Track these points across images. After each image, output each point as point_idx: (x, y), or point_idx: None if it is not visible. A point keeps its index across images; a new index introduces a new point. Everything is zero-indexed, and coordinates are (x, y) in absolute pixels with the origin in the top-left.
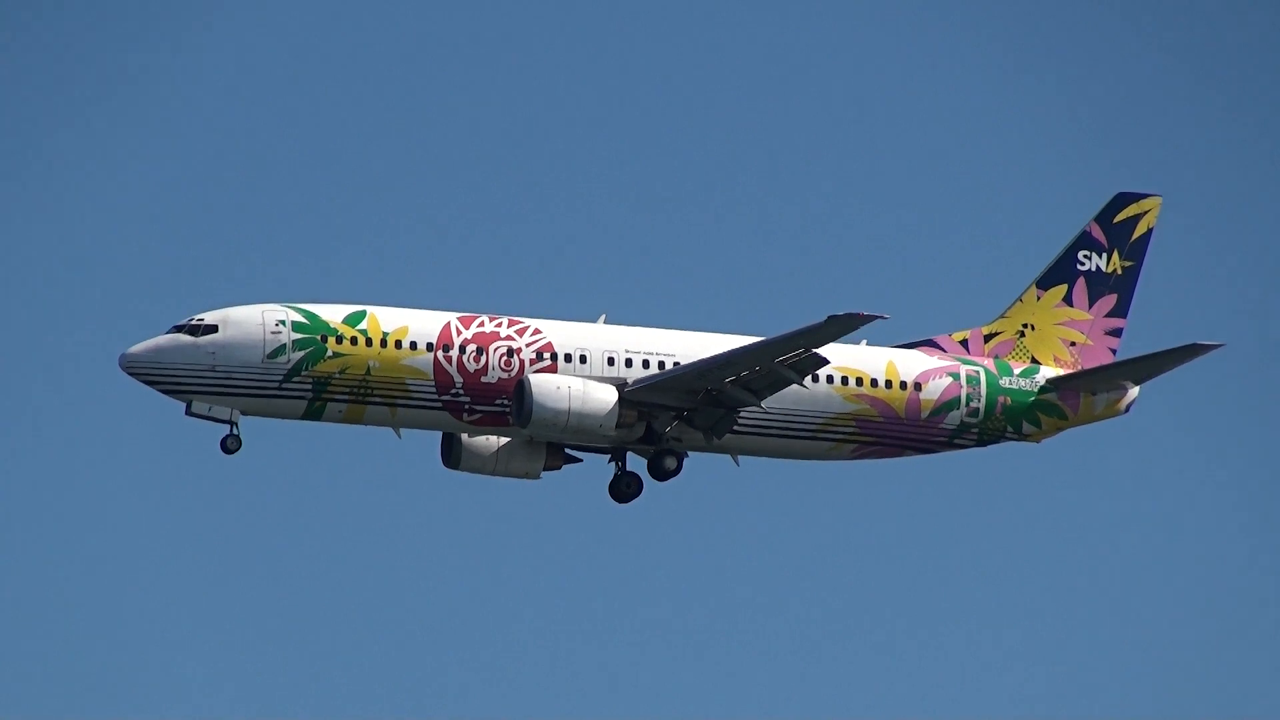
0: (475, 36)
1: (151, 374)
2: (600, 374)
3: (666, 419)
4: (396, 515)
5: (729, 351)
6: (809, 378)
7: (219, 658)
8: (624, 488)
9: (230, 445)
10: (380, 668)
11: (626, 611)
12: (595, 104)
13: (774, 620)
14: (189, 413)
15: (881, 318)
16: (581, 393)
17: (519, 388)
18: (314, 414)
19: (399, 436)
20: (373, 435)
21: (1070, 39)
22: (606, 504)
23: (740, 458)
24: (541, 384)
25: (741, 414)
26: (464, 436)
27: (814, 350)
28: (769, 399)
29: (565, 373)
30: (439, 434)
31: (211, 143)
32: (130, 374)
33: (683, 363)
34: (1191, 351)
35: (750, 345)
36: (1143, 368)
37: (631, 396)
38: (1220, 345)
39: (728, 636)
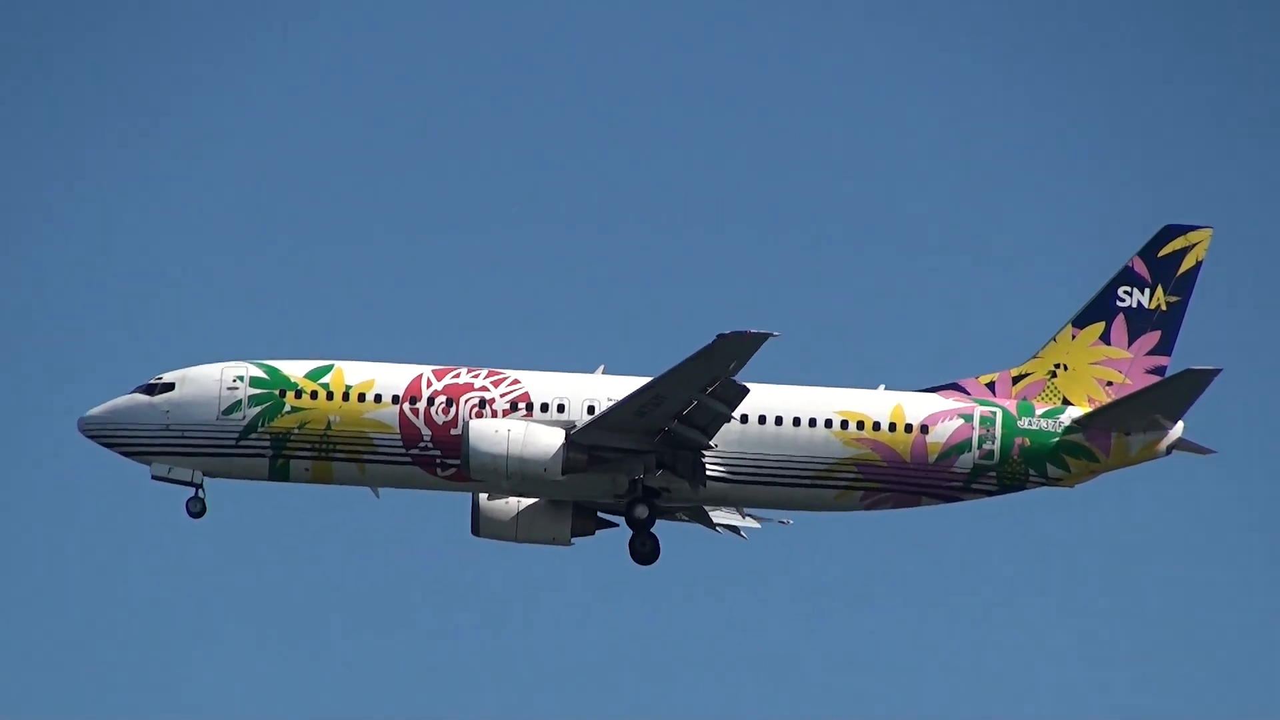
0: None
1: (107, 435)
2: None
3: (635, 464)
4: (405, 584)
5: (645, 384)
6: (739, 416)
7: None
8: (639, 547)
9: (194, 508)
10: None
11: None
12: (591, 144)
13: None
14: (153, 476)
15: (772, 335)
16: (522, 437)
17: (462, 434)
18: (279, 473)
19: (377, 496)
20: (394, 500)
21: (1112, 67)
22: (628, 566)
23: (766, 516)
24: (480, 428)
25: (740, 462)
26: (482, 499)
27: (729, 378)
28: (758, 443)
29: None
30: (468, 499)
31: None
32: (88, 436)
33: None
34: (1191, 380)
35: (661, 375)
36: (1145, 402)
37: (579, 439)
38: (1218, 370)
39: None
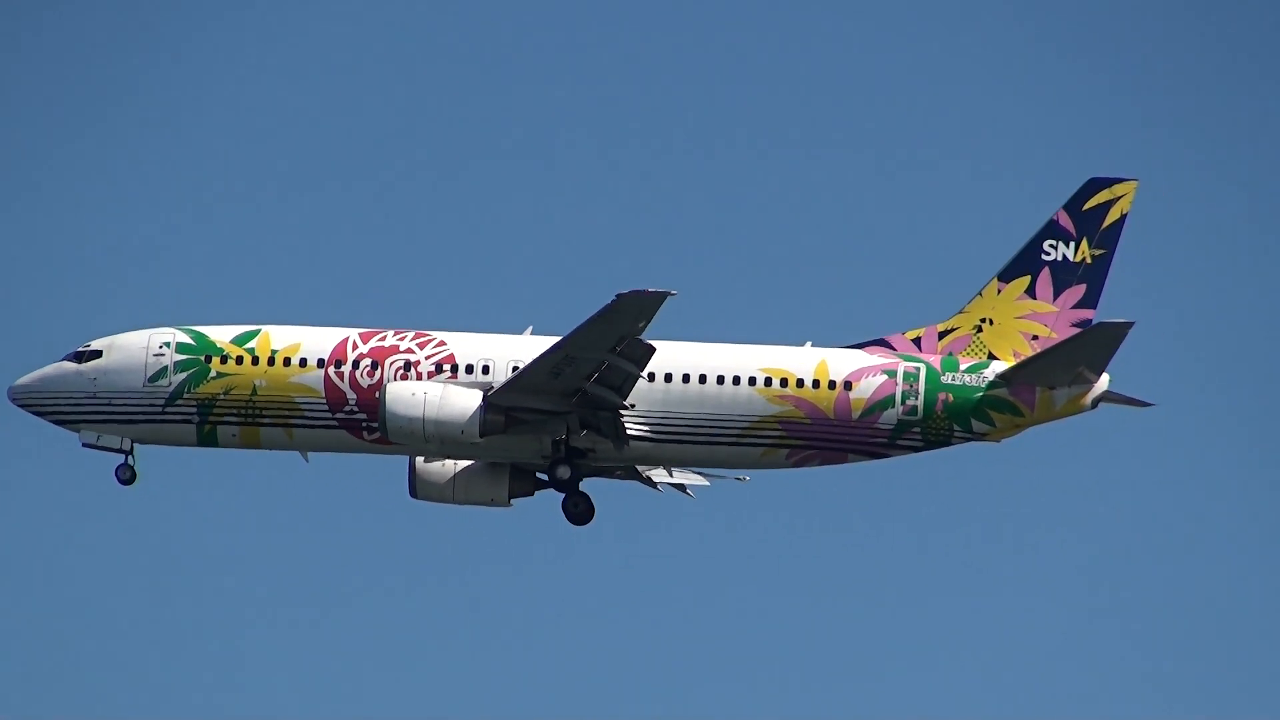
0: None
1: (37, 404)
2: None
3: (556, 425)
4: (345, 548)
5: (553, 345)
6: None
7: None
8: (571, 508)
9: (123, 475)
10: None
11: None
12: (525, 95)
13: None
14: (83, 444)
15: (669, 294)
16: (438, 399)
17: (379, 398)
18: (207, 439)
19: (306, 460)
20: (331, 464)
21: (1040, 18)
22: (562, 527)
23: (720, 474)
24: (396, 391)
25: (664, 421)
26: (419, 462)
27: (635, 338)
28: (680, 402)
29: (465, 384)
30: (405, 461)
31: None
32: (17, 405)
33: None
34: (1104, 334)
35: (567, 336)
36: (1065, 354)
37: (496, 400)
38: (1130, 324)
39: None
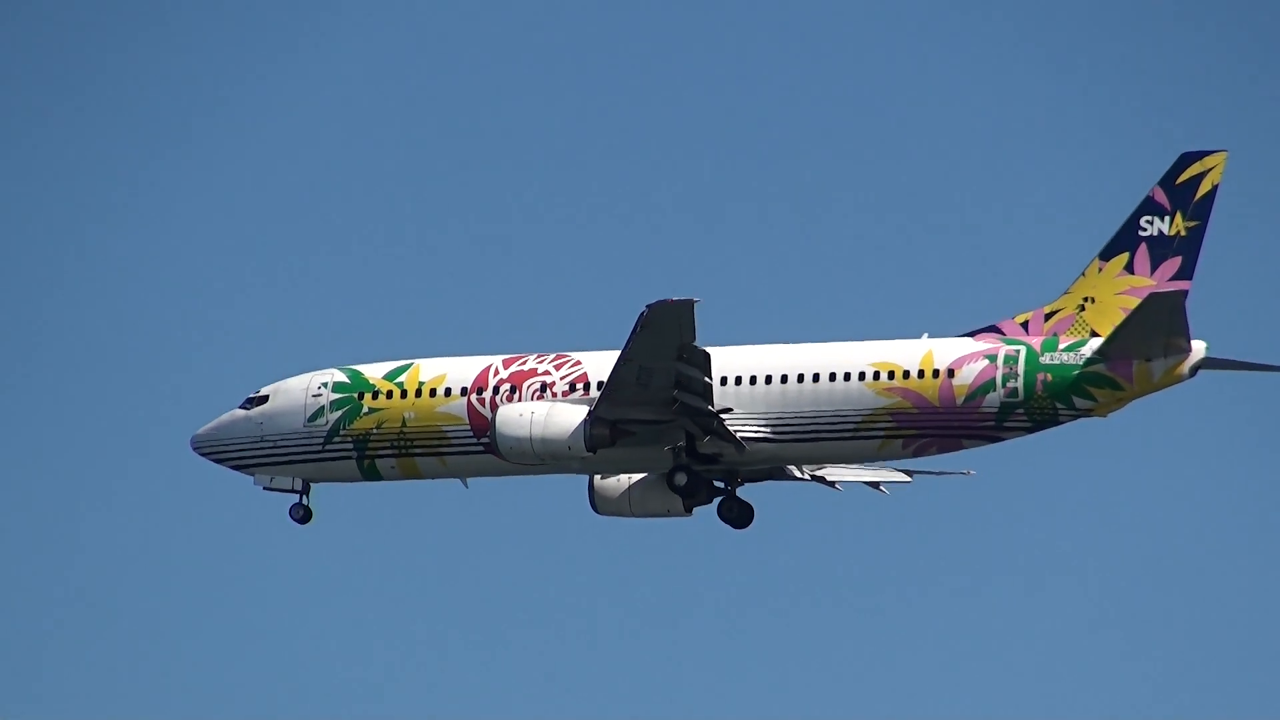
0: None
1: (213, 451)
2: None
3: (670, 434)
4: (536, 563)
5: (617, 361)
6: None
7: None
8: (725, 512)
9: (297, 514)
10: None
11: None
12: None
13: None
14: (262, 487)
15: (695, 301)
16: (544, 418)
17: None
18: (370, 473)
19: (466, 486)
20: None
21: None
22: (722, 529)
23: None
24: (505, 413)
25: (781, 421)
26: (596, 480)
27: (689, 343)
28: (796, 401)
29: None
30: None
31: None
32: (199, 454)
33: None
34: (1157, 304)
35: (621, 353)
36: (1133, 327)
37: (602, 414)
38: (1182, 291)
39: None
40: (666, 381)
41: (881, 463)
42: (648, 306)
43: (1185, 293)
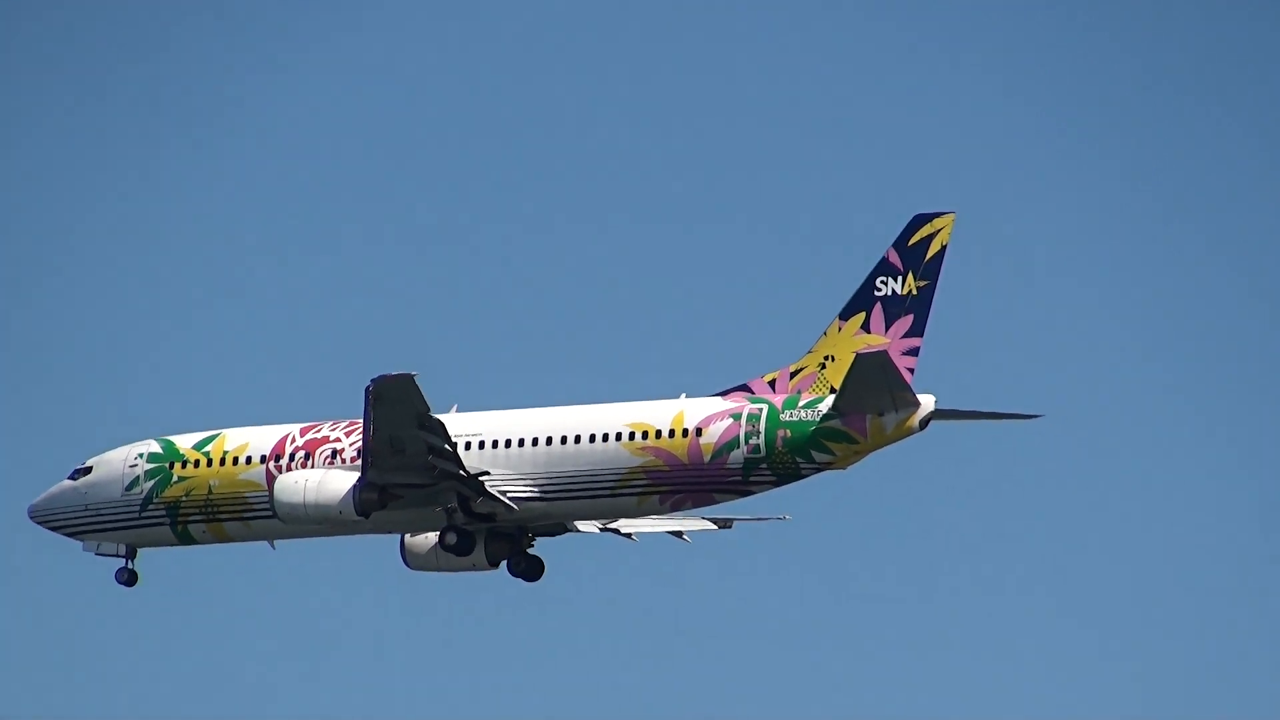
0: None
1: (47, 520)
2: None
3: (439, 496)
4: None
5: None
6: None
7: None
8: (514, 567)
9: (122, 577)
10: None
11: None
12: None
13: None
14: (93, 553)
15: (410, 375)
16: (317, 485)
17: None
18: (184, 537)
19: (273, 548)
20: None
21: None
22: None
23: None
24: (282, 481)
25: (548, 480)
26: (407, 538)
27: (426, 413)
28: (560, 461)
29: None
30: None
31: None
32: (35, 522)
33: (487, 440)
34: (865, 363)
35: (365, 427)
36: (849, 386)
37: (371, 479)
38: (882, 351)
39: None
40: (419, 448)
41: (682, 513)
42: (371, 381)
43: (885, 352)
